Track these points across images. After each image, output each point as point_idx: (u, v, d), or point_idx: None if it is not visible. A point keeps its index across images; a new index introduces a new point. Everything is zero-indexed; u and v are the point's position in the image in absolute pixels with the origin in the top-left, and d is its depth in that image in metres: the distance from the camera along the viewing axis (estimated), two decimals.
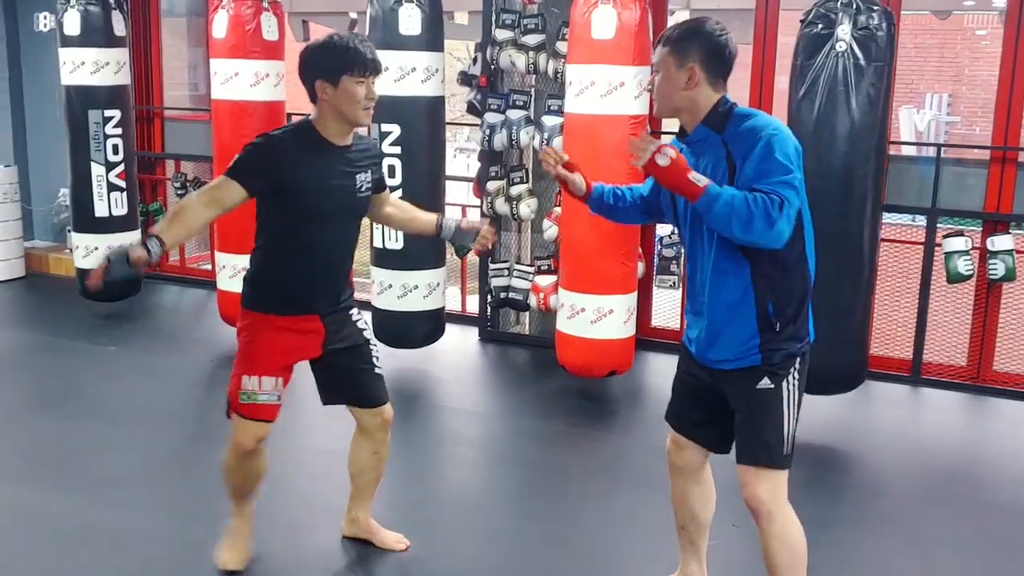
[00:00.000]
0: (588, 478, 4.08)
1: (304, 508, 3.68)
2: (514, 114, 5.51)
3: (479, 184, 5.84)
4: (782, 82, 5.52)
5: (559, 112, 5.36)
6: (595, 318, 4.65)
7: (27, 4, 7.43)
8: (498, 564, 3.29)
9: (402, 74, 4.90)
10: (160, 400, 4.81)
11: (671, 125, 4.28)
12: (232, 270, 5.60)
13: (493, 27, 5.53)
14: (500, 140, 5.55)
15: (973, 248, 4.99)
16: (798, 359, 2.54)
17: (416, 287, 5.26)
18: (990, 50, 12.78)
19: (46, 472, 3.89)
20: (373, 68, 2.80)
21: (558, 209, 5.49)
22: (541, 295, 5.60)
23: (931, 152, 5.85)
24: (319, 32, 8.22)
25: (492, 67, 5.62)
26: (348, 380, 3.10)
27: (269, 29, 5.28)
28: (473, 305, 6.38)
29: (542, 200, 5.65)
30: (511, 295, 5.83)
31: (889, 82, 4.19)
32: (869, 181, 4.21)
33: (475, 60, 5.73)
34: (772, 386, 2.50)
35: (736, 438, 2.61)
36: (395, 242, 5.20)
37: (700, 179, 2.33)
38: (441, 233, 3.17)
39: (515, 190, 5.61)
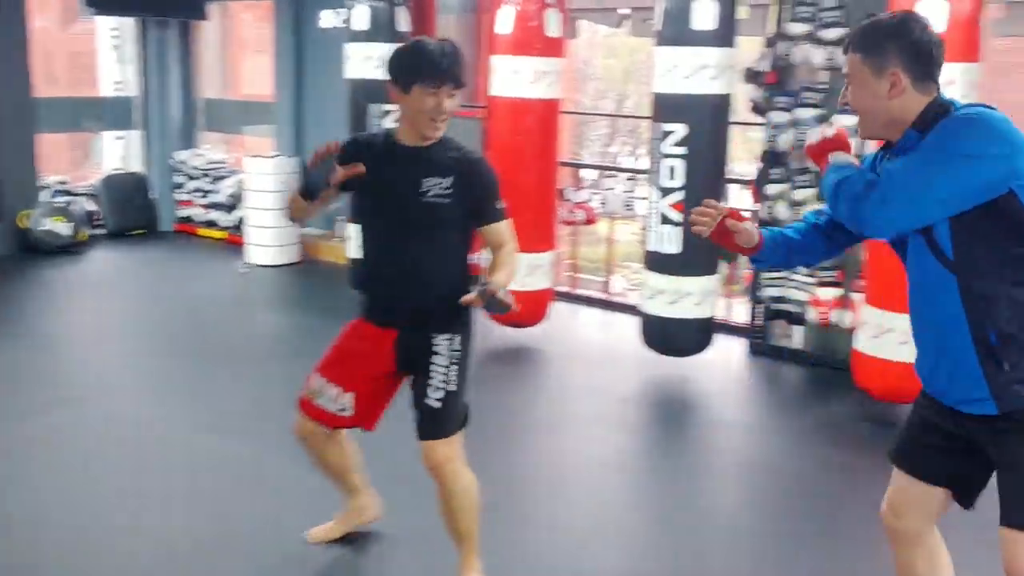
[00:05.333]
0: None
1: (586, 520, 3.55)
2: (804, 113, 5.15)
3: (758, 187, 5.51)
4: None
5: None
6: (905, 339, 4.21)
7: (312, 2, 7.80)
8: None
9: (693, 71, 4.68)
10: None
11: None
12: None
13: (781, 20, 5.20)
14: (786, 140, 5.21)
15: None
16: None
17: (689, 293, 5.03)
18: None
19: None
20: (449, 79, 2.62)
21: None
22: (822, 309, 5.22)
23: None
24: (586, 30, 8.13)
25: (781, 63, 5.28)
26: (414, 407, 2.82)
27: (553, 25, 5.20)
28: (738, 314, 6.07)
29: None
30: (785, 307, 5.47)
31: None
32: None
33: (762, 56, 5.41)
34: None
35: (1000, 493, 2.12)
36: (671, 246, 4.99)
37: (837, 158, 2.17)
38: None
39: (800, 194, 5.24)
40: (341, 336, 2.95)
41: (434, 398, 2.74)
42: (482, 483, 2.86)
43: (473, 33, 7.78)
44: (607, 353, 5.76)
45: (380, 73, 6.05)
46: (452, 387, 2.76)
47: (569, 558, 3.19)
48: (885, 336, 4.34)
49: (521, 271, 5.44)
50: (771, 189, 5.36)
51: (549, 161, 5.57)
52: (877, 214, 2.03)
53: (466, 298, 2.57)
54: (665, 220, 4.95)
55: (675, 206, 4.90)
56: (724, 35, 4.71)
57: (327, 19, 7.69)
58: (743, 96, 5.60)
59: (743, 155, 5.69)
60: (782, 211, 5.31)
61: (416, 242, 2.75)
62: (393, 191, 2.73)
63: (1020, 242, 2.01)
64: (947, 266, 2.05)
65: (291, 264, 7.63)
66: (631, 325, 5.58)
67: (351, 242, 6.41)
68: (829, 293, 5.23)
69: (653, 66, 4.93)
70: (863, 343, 4.50)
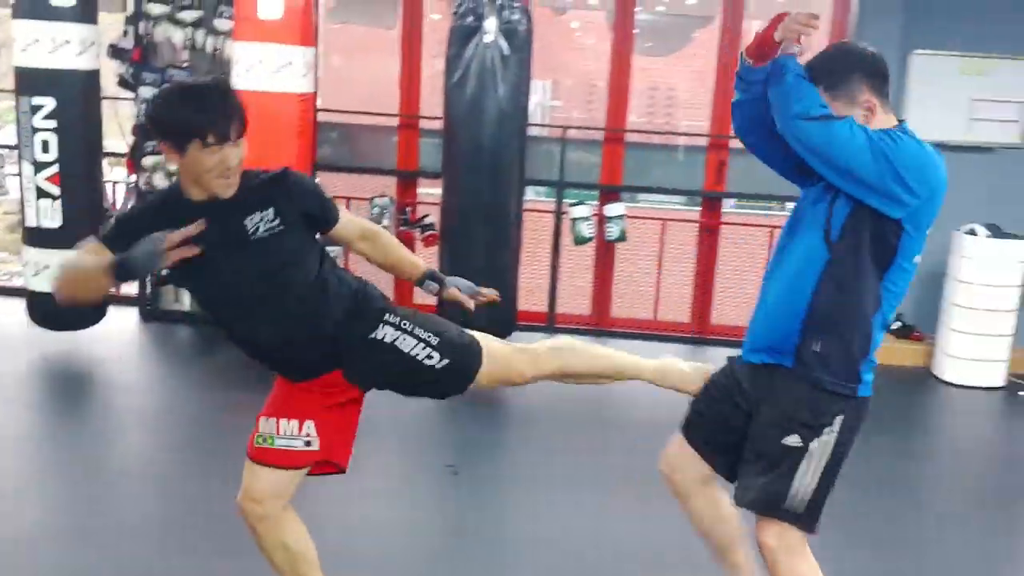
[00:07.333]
0: None
1: None
2: None
3: (133, 160, 5.74)
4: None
5: None
6: None
7: None
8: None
9: (55, 46, 4.74)
10: None
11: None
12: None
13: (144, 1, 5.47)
14: None
15: (593, 215, 5.86)
16: (844, 409, 2.20)
17: None
18: (585, 43, 14.42)
19: None
20: (232, 129, 2.18)
21: None
22: None
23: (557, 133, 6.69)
24: None
25: (144, 41, 5.54)
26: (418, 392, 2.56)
27: None
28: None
29: None
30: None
31: (528, 71, 4.83)
32: (515, 158, 4.84)
33: (125, 33, 5.62)
34: (799, 444, 2.19)
35: (740, 473, 2.30)
36: (51, 220, 5.01)
37: (790, 52, 2.12)
38: (423, 286, 2.64)
39: (175, 165, 5.58)
40: (278, 383, 2.51)
41: (435, 360, 2.39)
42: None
43: None
44: None
45: None
46: (433, 339, 2.40)
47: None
48: None
49: None
50: (147, 161, 5.62)
51: None
52: (795, 130, 2.09)
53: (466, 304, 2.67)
54: (42, 194, 4.95)
55: (51, 179, 4.93)
56: (86, 11, 4.83)
57: None
58: (112, 71, 5.74)
59: (115, 130, 5.85)
60: (159, 180, 5.62)
61: (279, 289, 2.29)
62: (216, 252, 2.22)
63: (881, 266, 2.17)
64: (826, 243, 2.16)
65: None
66: (11, 305, 5.48)
67: None
68: None
69: (12, 40, 4.86)
70: None
